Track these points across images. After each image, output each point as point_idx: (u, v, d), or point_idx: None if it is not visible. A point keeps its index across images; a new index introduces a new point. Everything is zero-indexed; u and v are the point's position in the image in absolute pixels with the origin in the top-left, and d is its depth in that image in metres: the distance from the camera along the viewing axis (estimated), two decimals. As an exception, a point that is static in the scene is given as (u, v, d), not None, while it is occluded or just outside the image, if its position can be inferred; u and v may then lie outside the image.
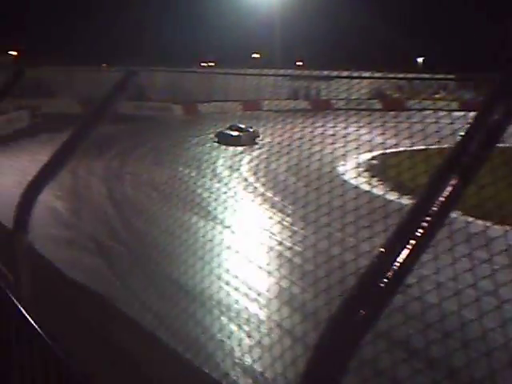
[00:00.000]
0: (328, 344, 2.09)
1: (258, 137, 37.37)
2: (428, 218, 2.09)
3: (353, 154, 5.22)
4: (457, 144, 2.17)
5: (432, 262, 2.81)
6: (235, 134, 38.74)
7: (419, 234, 2.08)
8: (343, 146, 5.53)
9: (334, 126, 5.69)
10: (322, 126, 5.95)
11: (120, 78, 5.04)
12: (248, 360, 6.17)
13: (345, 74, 5.14)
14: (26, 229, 4.63)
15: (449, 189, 2.11)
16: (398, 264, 2.06)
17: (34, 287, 4.65)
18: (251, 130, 39.04)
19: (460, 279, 3.50)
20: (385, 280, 2.06)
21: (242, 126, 39.76)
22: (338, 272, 4.50)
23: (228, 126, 39.74)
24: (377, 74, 7.48)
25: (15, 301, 3.57)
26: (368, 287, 2.09)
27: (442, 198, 2.10)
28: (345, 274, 4.47)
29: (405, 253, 2.07)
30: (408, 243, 2.08)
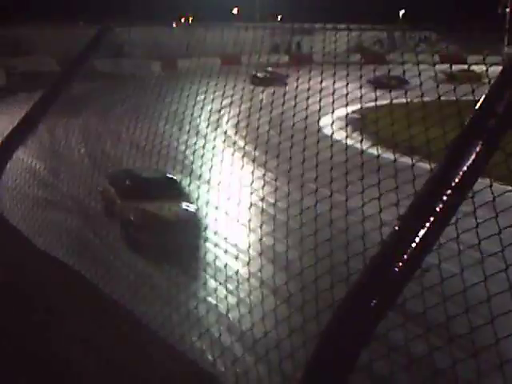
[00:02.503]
0: (334, 338, 1.82)
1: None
2: (449, 192, 1.80)
3: (332, 108, 4.95)
4: (481, 104, 1.88)
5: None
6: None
7: (439, 210, 1.80)
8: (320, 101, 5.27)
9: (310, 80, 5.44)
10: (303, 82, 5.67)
11: (93, 34, 4.75)
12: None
13: (322, 26, 4.85)
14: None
15: (473, 157, 1.82)
16: (414, 245, 1.78)
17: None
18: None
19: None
20: (400, 264, 1.78)
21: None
22: (327, 229, 4.25)
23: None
24: (355, 27, 7.15)
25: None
26: (380, 272, 1.82)
27: (464, 168, 1.81)
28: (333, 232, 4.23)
29: (422, 232, 1.79)
30: (427, 220, 1.79)
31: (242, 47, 8.12)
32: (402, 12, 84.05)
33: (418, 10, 69.25)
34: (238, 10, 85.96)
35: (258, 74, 33.65)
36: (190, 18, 78.29)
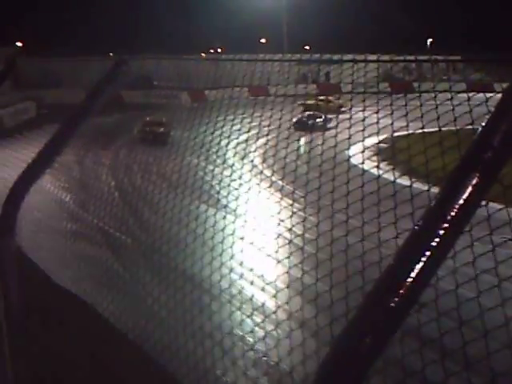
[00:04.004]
0: (328, 377, 1.79)
1: None
2: (446, 225, 1.77)
3: (360, 137, 4.84)
4: (477, 136, 1.85)
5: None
6: None
7: (435, 244, 1.76)
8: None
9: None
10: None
11: (109, 67, 4.77)
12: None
13: (350, 57, 4.83)
14: (12, 232, 4.33)
15: (469, 189, 1.79)
16: (410, 280, 1.74)
17: (22, 295, 4.37)
18: None
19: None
20: (395, 299, 1.74)
21: None
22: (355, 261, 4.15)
23: None
24: (384, 57, 7.04)
25: None
26: (375, 309, 1.78)
27: (461, 201, 1.78)
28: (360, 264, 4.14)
29: (419, 267, 1.75)
30: (423, 255, 1.76)
31: (268, 78, 8.07)
32: (429, 40, 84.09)
33: (445, 38, 69.31)
34: (266, 40, 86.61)
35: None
36: (219, 49, 78.95)
